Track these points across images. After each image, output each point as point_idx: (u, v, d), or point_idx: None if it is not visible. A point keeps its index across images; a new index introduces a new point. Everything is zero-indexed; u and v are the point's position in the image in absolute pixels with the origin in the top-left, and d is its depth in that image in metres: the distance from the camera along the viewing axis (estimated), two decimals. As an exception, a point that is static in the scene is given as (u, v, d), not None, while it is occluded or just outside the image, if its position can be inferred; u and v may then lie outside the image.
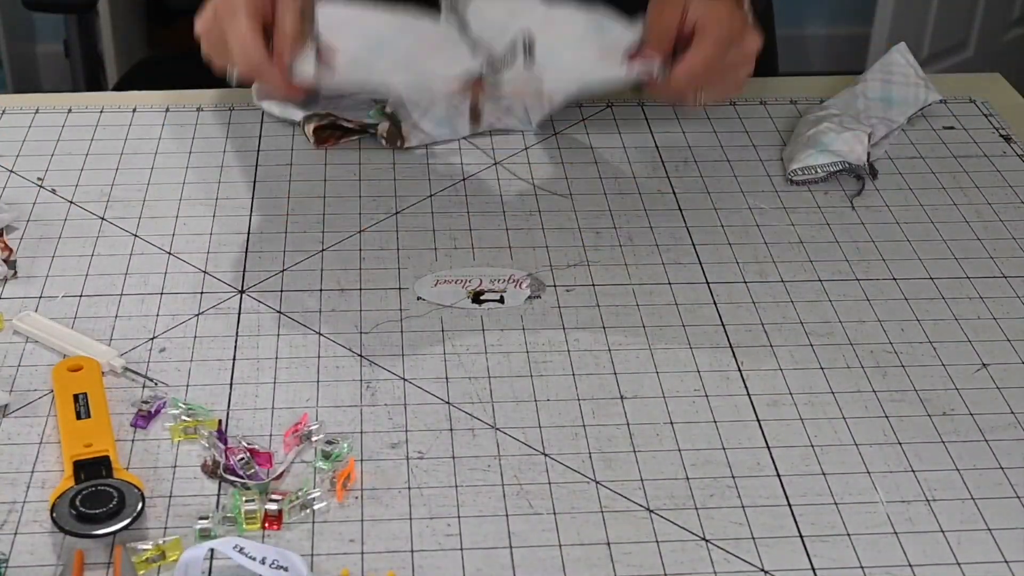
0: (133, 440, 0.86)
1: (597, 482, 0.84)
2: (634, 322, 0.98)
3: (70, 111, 1.24)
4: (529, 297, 1.00)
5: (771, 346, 0.96)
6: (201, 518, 0.79)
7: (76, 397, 0.87)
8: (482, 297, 0.99)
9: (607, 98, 1.27)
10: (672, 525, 0.81)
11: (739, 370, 0.94)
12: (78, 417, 0.86)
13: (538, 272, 1.03)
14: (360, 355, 0.94)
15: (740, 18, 1.09)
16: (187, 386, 0.91)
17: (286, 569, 0.75)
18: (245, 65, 1.03)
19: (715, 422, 0.89)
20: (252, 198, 1.12)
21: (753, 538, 0.80)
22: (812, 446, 0.87)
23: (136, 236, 1.07)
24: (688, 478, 0.84)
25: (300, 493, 0.81)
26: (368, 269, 1.03)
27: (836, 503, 0.83)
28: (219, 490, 0.83)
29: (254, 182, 1.14)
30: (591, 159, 1.19)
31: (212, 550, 0.77)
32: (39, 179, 1.14)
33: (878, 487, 0.84)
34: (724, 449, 0.87)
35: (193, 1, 1.10)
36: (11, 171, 1.15)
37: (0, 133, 1.20)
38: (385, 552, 0.78)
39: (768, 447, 0.87)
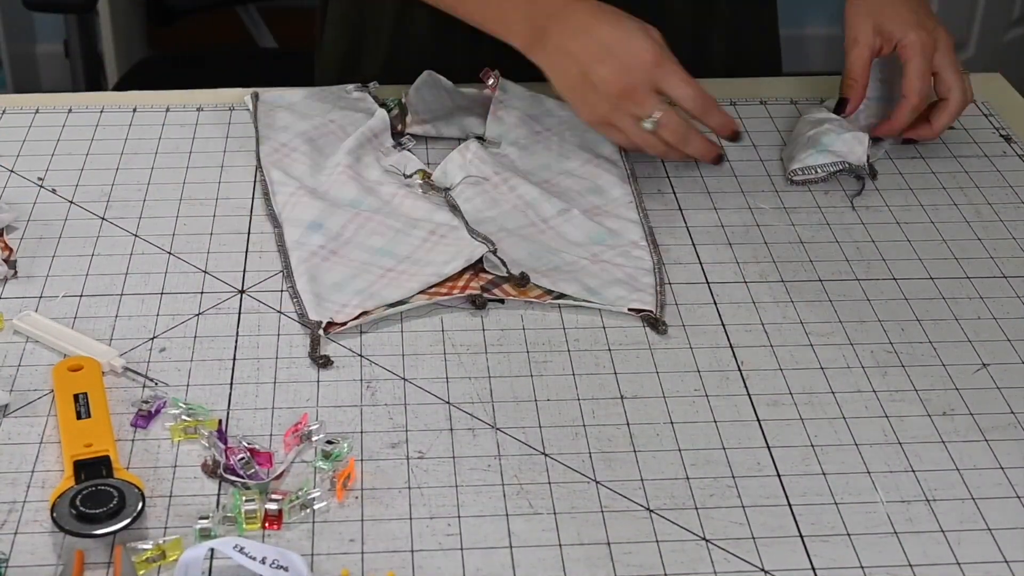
0: (133, 440, 0.86)
1: (597, 482, 0.84)
2: (634, 322, 0.98)
3: (70, 111, 1.24)
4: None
5: (771, 346, 0.96)
6: (201, 518, 0.79)
7: (76, 397, 0.87)
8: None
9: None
10: (672, 525, 0.81)
11: (739, 370, 0.94)
12: (78, 417, 0.86)
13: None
14: (360, 355, 0.94)
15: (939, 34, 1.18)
16: (187, 386, 0.91)
17: (286, 569, 0.75)
18: (697, 105, 1.08)
19: (715, 422, 0.89)
20: (252, 198, 1.12)
21: (753, 538, 0.80)
22: (812, 446, 0.87)
23: (136, 236, 1.07)
24: (688, 478, 0.84)
25: (300, 493, 0.81)
26: (368, 269, 1.03)
27: (836, 503, 0.83)
28: (219, 490, 0.83)
29: (254, 182, 1.14)
30: (591, 159, 1.18)
31: (212, 550, 0.77)
32: (39, 179, 1.14)
33: (878, 487, 0.84)
34: (724, 449, 0.87)
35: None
36: (11, 171, 1.15)
37: (0, 133, 1.20)
38: (385, 552, 0.78)
39: (768, 447, 0.87)
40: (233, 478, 0.83)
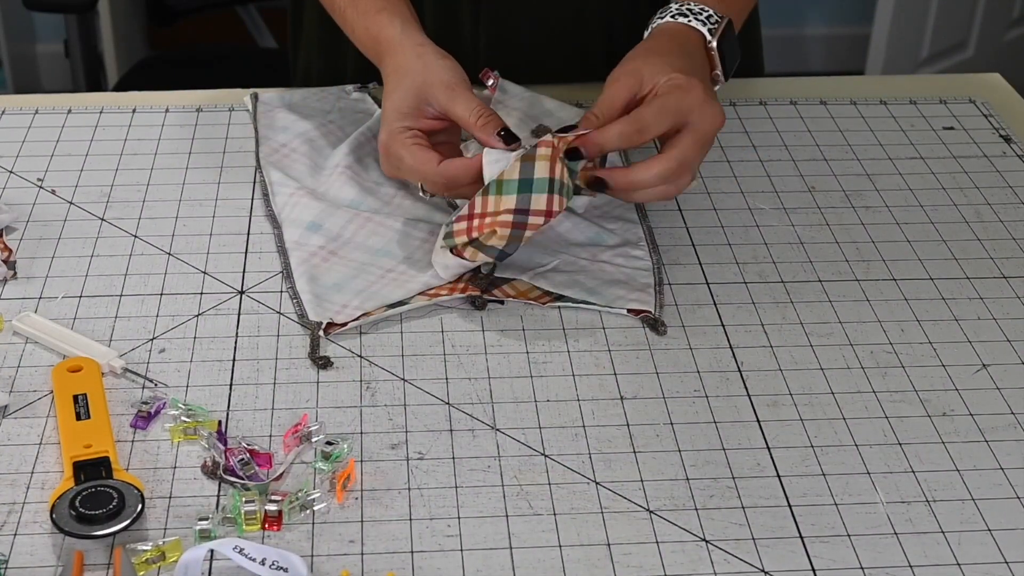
0: (133, 441, 0.86)
1: (597, 483, 0.84)
2: (634, 322, 0.98)
3: (70, 111, 1.24)
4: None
5: (771, 346, 0.96)
6: (201, 519, 0.79)
7: (76, 398, 0.87)
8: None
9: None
10: (672, 526, 0.81)
11: (739, 370, 0.94)
12: (78, 418, 0.86)
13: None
14: (360, 356, 0.94)
15: (712, 102, 0.99)
16: (187, 387, 0.91)
17: (286, 570, 0.75)
18: (431, 182, 1.01)
19: (715, 423, 0.89)
20: (251, 199, 1.12)
21: (753, 539, 0.80)
22: (812, 446, 0.87)
23: (136, 236, 1.07)
24: (688, 479, 0.84)
25: (300, 494, 0.81)
26: (368, 269, 1.03)
27: (836, 503, 0.83)
28: (219, 491, 0.83)
29: (254, 182, 1.14)
30: (591, 159, 1.18)
31: (212, 551, 0.77)
32: (39, 179, 1.14)
33: (878, 487, 0.84)
34: (724, 450, 0.87)
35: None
36: (11, 171, 1.15)
37: (0, 133, 1.20)
38: (385, 553, 0.78)
39: (768, 447, 0.87)
40: (233, 479, 0.83)
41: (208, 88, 1.29)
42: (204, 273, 1.03)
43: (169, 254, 1.05)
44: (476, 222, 0.96)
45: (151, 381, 0.91)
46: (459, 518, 0.81)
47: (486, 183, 0.97)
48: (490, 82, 1.22)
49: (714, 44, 1.04)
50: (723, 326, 0.98)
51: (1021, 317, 1.00)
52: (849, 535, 0.81)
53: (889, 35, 2.95)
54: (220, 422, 0.87)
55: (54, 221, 1.08)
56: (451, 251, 0.97)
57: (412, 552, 0.79)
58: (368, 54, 1.10)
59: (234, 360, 0.93)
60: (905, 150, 1.21)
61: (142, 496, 0.80)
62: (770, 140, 1.22)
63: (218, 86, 1.29)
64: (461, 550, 0.79)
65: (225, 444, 0.85)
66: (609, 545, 0.80)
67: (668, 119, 0.97)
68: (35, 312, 0.97)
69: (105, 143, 1.19)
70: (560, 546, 0.79)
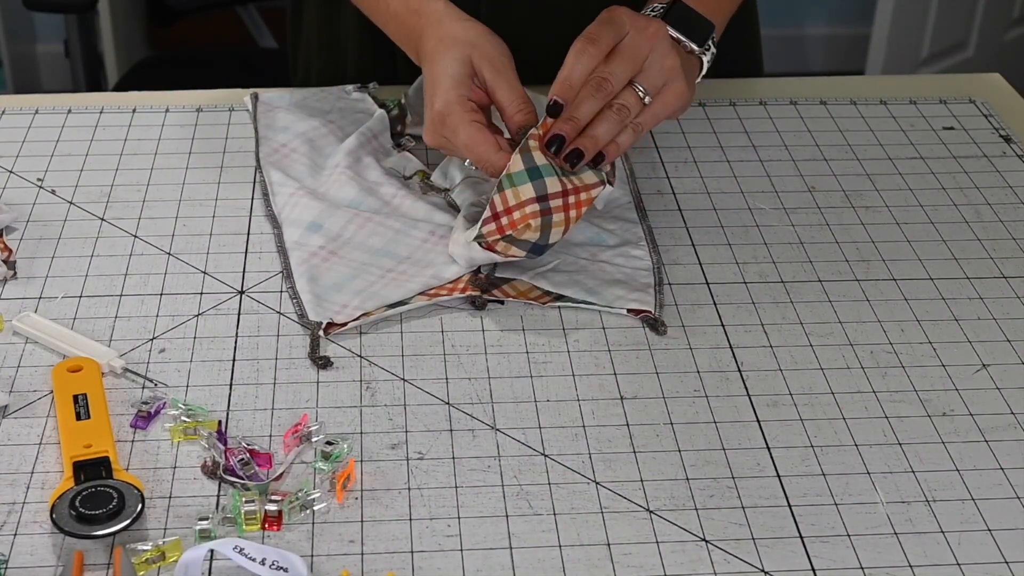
0: (133, 441, 0.86)
1: (597, 483, 0.84)
2: (634, 322, 0.98)
3: (70, 111, 1.24)
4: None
5: (771, 346, 0.96)
6: (201, 519, 0.79)
7: (76, 398, 0.87)
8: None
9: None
10: (672, 526, 0.81)
11: (739, 370, 0.94)
12: (78, 418, 0.86)
13: (538, 272, 1.03)
14: (360, 356, 0.94)
15: (644, 17, 1.01)
16: (187, 387, 0.91)
17: (286, 570, 0.75)
18: (488, 166, 1.00)
19: (715, 422, 0.89)
20: (251, 199, 1.12)
21: (753, 539, 0.80)
22: (812, 446, 0.87)
23: (136, 236, 1.07)
24: (688, 479, 0.84)
25: (300, 494, 0.81)
26: (368, 269, 1.03)
27: (836, 503, 0.83)
28: (219, 491, 0.83)
29: (254, 182, 1.14)
30: (591, 159, 1.18)
31: (212, 551, 0.77)
32: (39, 179, 1.14)
33: (878, 487, 0.84)
34: (724, 450, 0.87)
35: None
36: (11, 171, 1.15)
37: (0, 133, 1.20)
38: (385, 553, 0.78)
39: (768, 447, 0.87)
40: (233, 479, 0.83)
41: (208, 88, 1.29)
42: (204, 273, 1.03)
43: (169, 254, 1.05)
44: (504, 220, 0.96)
45: (151, 381, 0.91)
46: (459, 518, 0.81)
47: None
48: None
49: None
50: (723, 326, 0.98)
51: (1021, 317, 1.00)
52: (849, 535, 0.81)
53: (889, 35, 2.95)
54: (220, 422, 0.87)
55: (54, 221, 1.08)
56: (481, 245, 0.97)
57: (412, 552, 0.79)
58: (402, 34, 1.09)
59: (234, 360, 0.94)
60: (905, 150, 1.21)
61: (142, 496, 0.80)
62: (770, 140, 1.22)
63: (218, 86, 1.29)
64: (461, 550, 0.79)
65: (225, 444, 0.85)
66: (609, 545, 0.80)
67: (608, 27, 0.99)
68: (35, 312, 0.97)
69: (105, 143, 1.19)
70: (560, 546, 0.79)
